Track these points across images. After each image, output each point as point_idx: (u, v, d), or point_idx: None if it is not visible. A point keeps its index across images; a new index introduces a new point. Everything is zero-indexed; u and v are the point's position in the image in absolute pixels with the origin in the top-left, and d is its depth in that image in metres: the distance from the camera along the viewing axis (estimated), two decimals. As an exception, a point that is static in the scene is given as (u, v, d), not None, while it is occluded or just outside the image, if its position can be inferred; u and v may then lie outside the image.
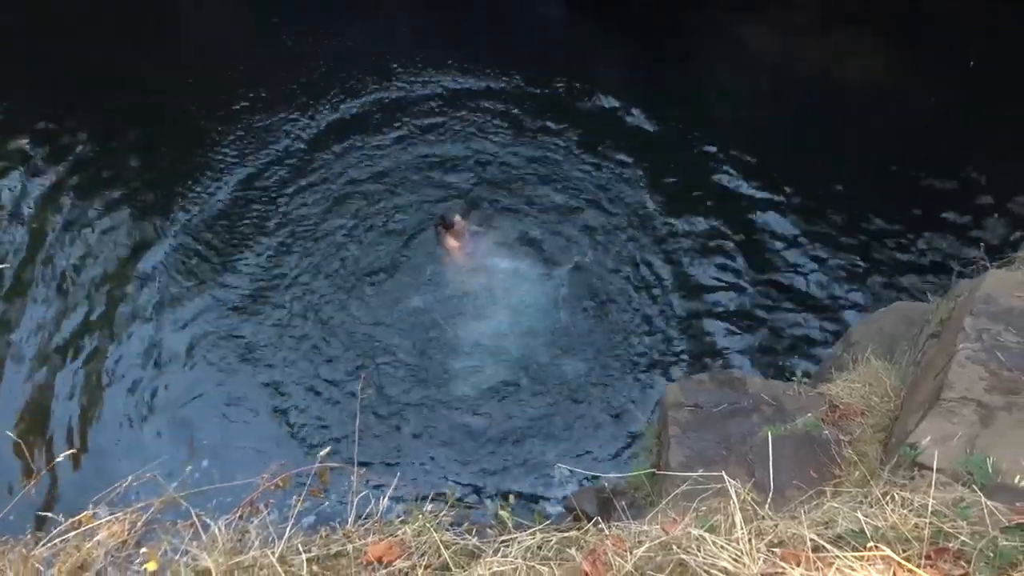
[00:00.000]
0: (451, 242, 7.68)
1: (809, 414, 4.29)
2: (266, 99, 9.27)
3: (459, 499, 5.51)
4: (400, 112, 9.10)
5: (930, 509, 2.14)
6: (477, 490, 5.91)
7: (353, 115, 9.15)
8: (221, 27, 10.36)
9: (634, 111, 8.98)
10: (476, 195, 8.25)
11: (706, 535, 1.99)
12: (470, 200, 8.20)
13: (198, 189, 8.27)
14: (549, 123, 8.80)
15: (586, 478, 5.67)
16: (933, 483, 2.36)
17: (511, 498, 5.73)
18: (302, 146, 8.76)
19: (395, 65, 9.63)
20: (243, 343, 6.87)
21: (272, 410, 6.44)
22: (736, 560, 1.90)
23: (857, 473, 3.62)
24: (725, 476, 2.06)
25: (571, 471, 5.06)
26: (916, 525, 2.15)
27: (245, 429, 6.33)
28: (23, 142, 8.69)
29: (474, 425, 6.28)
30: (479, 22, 10.02)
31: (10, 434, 2.86)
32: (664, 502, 2.74)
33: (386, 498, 2.48)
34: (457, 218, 7.74)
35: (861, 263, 7.30)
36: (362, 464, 5.43)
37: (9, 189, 8.22)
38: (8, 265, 6.92)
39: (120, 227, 7.83)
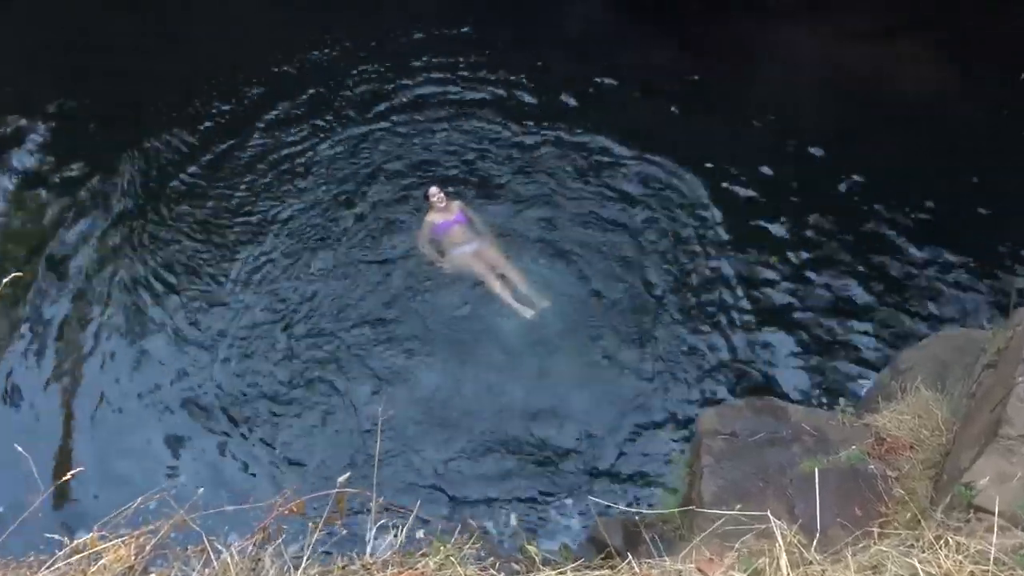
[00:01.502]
0: (433, 216, 7.71)
1: (854, 446, 4.26)
2: (267, 84, 9.51)
3: (483, 530, 5.49)
4: (416, 107, 9.29)
5: (991, 557, 2.07)
6: (499, 517, 5.88)
7: (380, 112, 9.32)
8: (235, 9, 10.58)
9: (673, 113, 9.04)
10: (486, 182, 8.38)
11: (749, 580, 1.94)
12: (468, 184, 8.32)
13: (206, 198, 8.45)
14: (584, 121, 8.88)
15: (608, 507, 5.64)
16: (995, 528, 2.28)
17: (535, 527, 5.71)
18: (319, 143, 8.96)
19: (419, 54, 9.78)
20: (258, 362, 6.92)
21: (287, 431, 6.47)
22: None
23: (906, 513, 3.56)
24: (771, 516, 2.01)
25: (606, 505, 4.99)
26: (972, 573, 2.10)
27: (259, 451, 6.35)
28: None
29: (497, 450, 6.26)
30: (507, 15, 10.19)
31: (19, 448, 2.89)
32: (698, 539, 2.70)
33: (406, 528, 2.45)
34: (433, 189, 7.79)
35: (911, 285, 7.18)
36: (381, 491, 5.41)
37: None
38: (21, 273, 7.05)
39: (132, 242, 7.95)
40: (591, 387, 6.60)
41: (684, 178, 8.24)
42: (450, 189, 8.09)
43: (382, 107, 9.41)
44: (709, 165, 8.37)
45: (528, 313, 7.02)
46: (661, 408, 6.42)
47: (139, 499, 2.80)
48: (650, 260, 7.52)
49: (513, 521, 5.77)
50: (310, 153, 8.86)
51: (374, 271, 7.62)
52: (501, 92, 9.43)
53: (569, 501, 5.95)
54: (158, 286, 7.53)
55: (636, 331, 6.95)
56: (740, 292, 7.19)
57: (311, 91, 9.61)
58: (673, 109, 9.12)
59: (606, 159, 8.53)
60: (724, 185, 8.17)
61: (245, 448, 6.36)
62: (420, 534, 2.65)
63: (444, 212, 7.76)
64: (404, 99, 9.47)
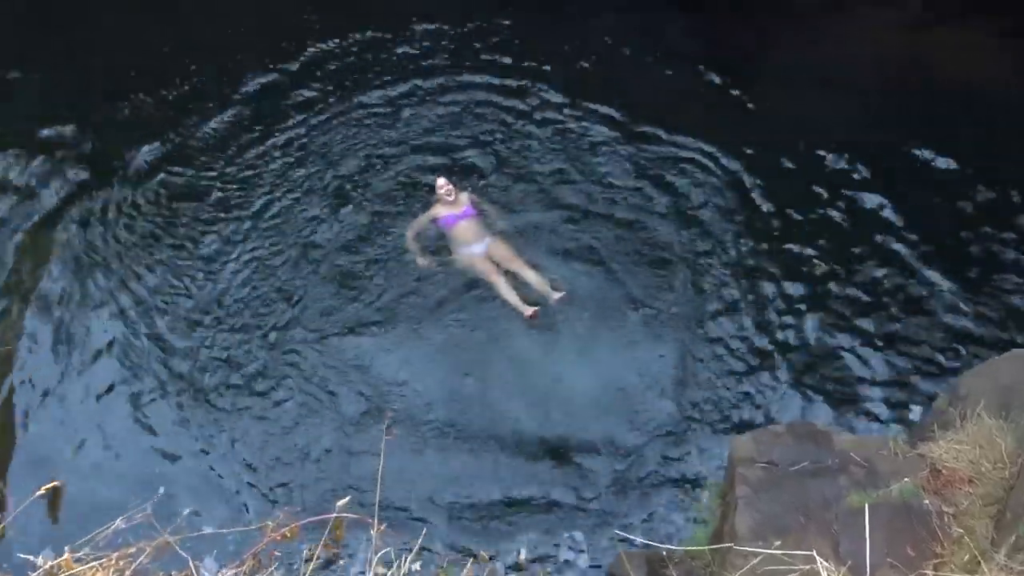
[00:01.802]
0: (438, 209, 7.70)
1: (906, 479, 4.17)
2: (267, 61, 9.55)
3: (491, 558, 5.51)
4: (421, 84, 9.28)
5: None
6: (511, 549, 5.84)
7: (380, 90, 9.31)
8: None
9: (708, 102, 9.02)
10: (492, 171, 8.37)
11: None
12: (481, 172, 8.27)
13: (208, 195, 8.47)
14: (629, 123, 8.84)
15: (631, 541, 5.64)
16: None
17: (550, 560, 5.69)
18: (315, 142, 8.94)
19: (426, 20, 9.76)
20: (252, 373, 6.93)
21: (283, 449, 6.46)
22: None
23: (964, 554, 3.50)
24: (815, 555, 1.98)
25: (629, 538, 4.97)
26: (1039, 622, 2.05)
27: (251, 469, 6.36)
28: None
29: (509, 474, 6.24)
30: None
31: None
32: (733, 578, 2.66)
33: (410, 559, 2.43)
34: (440, 180, 7.76)
35: (971, 298, 7.06)
36: (383, 516, 5.38)
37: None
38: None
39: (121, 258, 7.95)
40: (612, 406, 6.57)
41: (721, 173, 8.21)
42: (454, 178, 8.02)
43: (383, 83, 9.31)
44: (747, 157, 8.32)
45: (528, 311, 7.05)
46: (691, 431, 6.39)
47: (118, 519, 2.80)
48: (684, 263, 7.49)
49: (523, 554, 5.72)
50: (300, 135, 8.84)
51: (370, 272, 7.62)
52: (519, 72, 9.35)
53: (587, 533, 5.92)
54: (125, 289, 7.54)
55: (664, 344, 6.89)
56: (781, 302, 7.12)
57: (303, 62, 9.52)
58: (709, 98, 9.05)
59: (635, 148, 8.51)
60: (764, 183, 8.10)
61: (233, 465, 6.36)
62: (418, 567, 2.63)
63: (452, 206, 7.72)
64: (408, 76, 9.36)
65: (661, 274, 7.45)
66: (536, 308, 7.09)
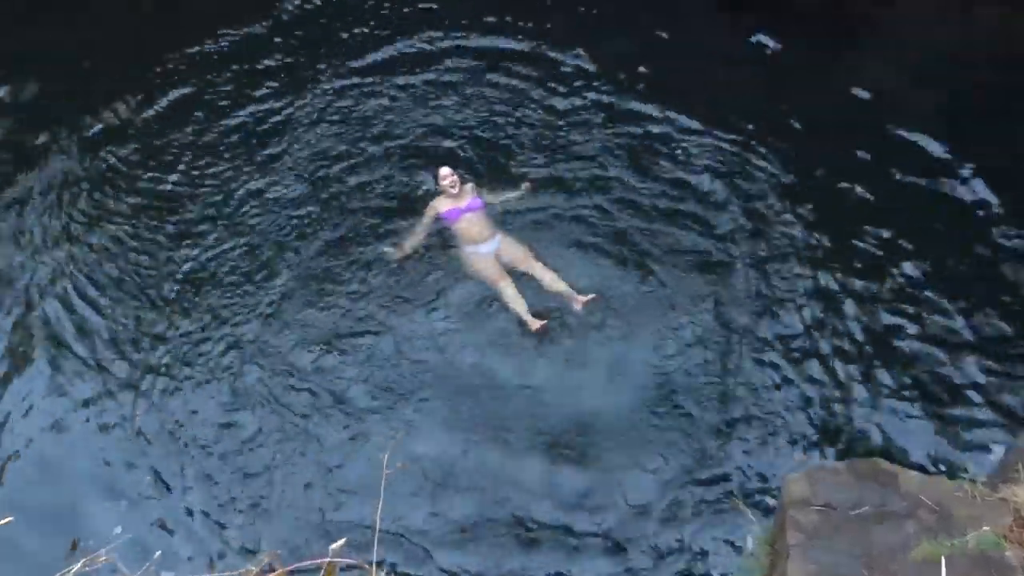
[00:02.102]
0: (441, 203, 7.64)
1: (986, 527, 4.13)
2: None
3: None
4: (424, 59, 9.23)
5: None
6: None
7: (376, 64, 9.26)
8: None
9: (762, 88, 8.90)
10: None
11: None
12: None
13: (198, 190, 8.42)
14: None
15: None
16: None
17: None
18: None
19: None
20: (219, 395, 6.88)
21: (258, 484, 6.38)
22: None
23: (1055, 615, 3.38)
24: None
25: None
26: None
27: (223, 507, 6.27)
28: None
29: (524, 513, 6.13)
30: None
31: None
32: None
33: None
34: (444, 170, 7.68)
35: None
36: (382, 563, 5.35)
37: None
38: None
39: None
40: (642, 431, 6.48)
41: (771, 161, 8.12)
42: (460, 169, 7.96)
43: (379, 57, 9.22)
44: (803, 152, 8.21)
45: (535, 325, 6.97)
46: (735, 468, 6.29)
47: (80, 562, 2.76)
48: (728, 266, 7.40)
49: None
50: (280, 119, 8.77)
51: (358, 282, 7.56)
52: (538, 45, 9.21)
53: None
54: (83, 303, 7.52)
55: (704, 365, 6.81)
56: (840, 316, 7.00)
57: (286, 34, 9.44)
58: (763, 84, 8.93)
59: (670, 133, 8.39)
60: (823, 180, 8.00)
61: (211, 501, 6.30)
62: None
63: (456, 198, 7.65)
64: (408, 48, 9.26)
65: (701, 277, 7.38)
66: (544, 323, 7.00)
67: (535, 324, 7.00)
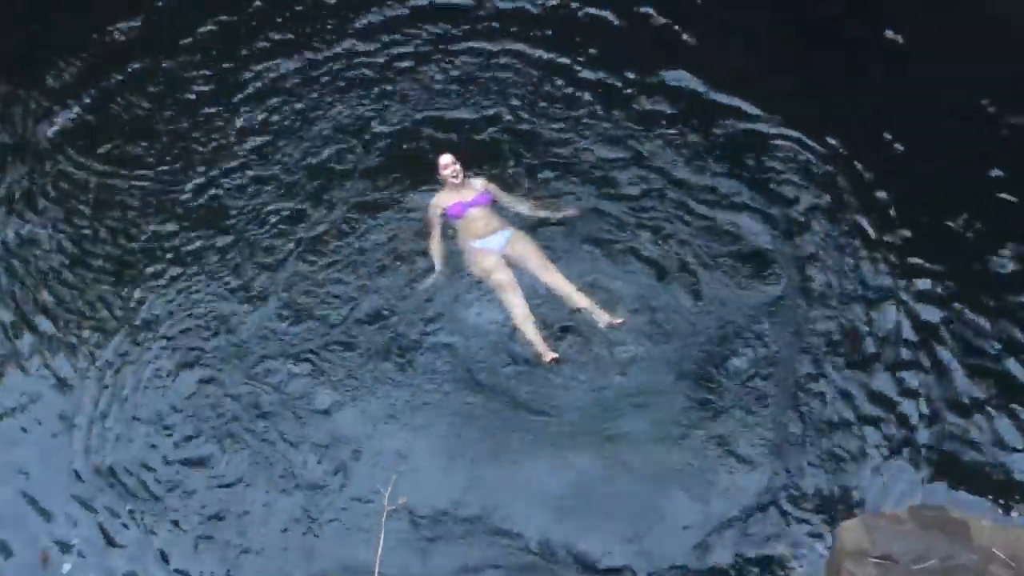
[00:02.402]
0: (442, 197, 7.53)
1: None
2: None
3: None
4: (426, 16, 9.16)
5: None
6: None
7: (370, 27, 9.25)
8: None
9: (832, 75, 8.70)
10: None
11: None
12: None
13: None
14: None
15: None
16: None
17: None
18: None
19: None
20: (182, 426, 6.77)
21: (242, 522, 6.29)
22: None
23: None
24: None
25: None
26: None
27: (201, 550, 6.20)
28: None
29: (546, 560, 6.02)
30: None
31: None
32: None
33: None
34: (445, 158, 7.55)
35: None
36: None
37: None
38: None
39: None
40: (676, 471, 6.39)
41: (828, 160, 8.03)
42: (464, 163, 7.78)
43: (372, 20, 9.14)
44: (861, 136, 8.08)
45: (548, 355, 6.73)
46: (779, 513, 6.16)
47: None
48: (780, 280, 7.25)
49: None
50: (255, 94, 8.73)
51: (351, 289, 7.45)
52: (566, 14, 9.12)
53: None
54: (34, 308, 7.46)
55: (744, 391, 6.69)
56: (906, 343, 6.87)
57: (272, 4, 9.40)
58: (808, 62, 8.76)
59: (712, 123, 8.30)
60: (886, 175, 7.86)
61: (176, 547, 6.22)
62: None
63: (459, 190, 7.51)
64: (402, 11, 9.22)
65: (749, 294, 7.20)
66: (556, 356, 6.74)
67: (548, 355, 6.73)
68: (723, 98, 8.52)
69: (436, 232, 7.51)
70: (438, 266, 7.38)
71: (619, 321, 6.84)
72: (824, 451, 6.40)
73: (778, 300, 7.16)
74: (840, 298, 7.19)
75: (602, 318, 6.87)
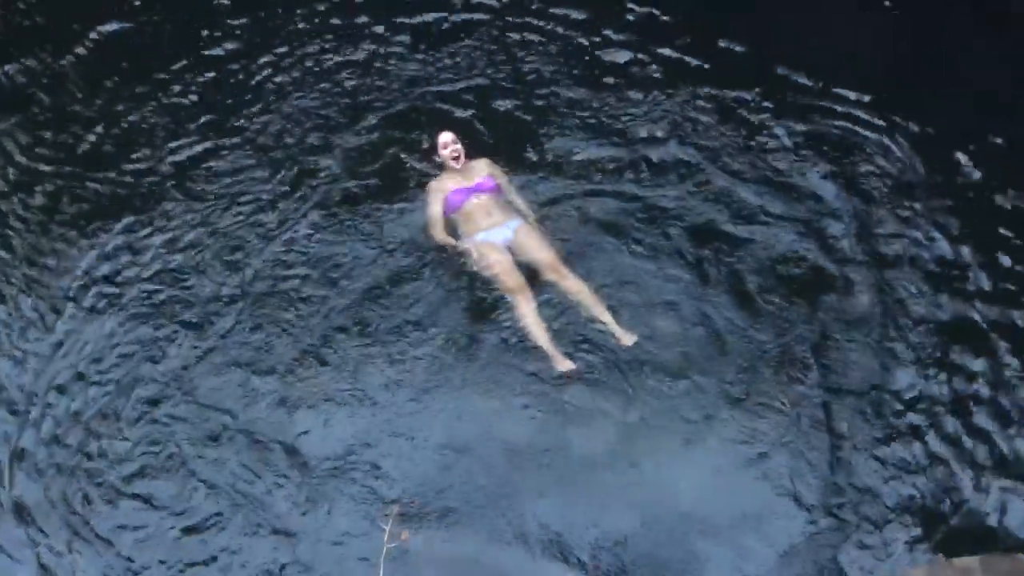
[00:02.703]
0: (442, 182, 7.14)
1: None
2: None
3: None
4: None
5: None
6: None
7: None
8: None
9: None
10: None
11: None
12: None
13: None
14: None
15: None
16: None
17: None
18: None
19: None
20: (137, 458, 6.30)
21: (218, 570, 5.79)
22: None
23: None
24: None
25: None
26: None
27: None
28: None
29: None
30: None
31: None
32: None
33: None
34: (446, 136, 7.19)
35: None
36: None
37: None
38: None
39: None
40: (714, 514, 5.94)
41: (910, 157, 7.51)
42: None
43: None
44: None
45: (564, 365, 6.27)
46: (842, 559, 5.75)
47: None
48: (857, 300, 6.73)
49: None
50: (238, 68, 8.42)
51: (330, 292, 7.00)
52: None
53: None
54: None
55: (807, 423, 6.21)
56: (983, 380, 6.34)
57: None
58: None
59: (772, 109, 7.82)
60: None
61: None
62: None
63: (461, 175, 7.12)
64: None
65: (812, 306, 6.70)
66: (575, 367, 6.26)
67: (565, 364, 6.28)
68: (783, 70, 8.11)
69: (435, 216, 7.10)
70: (447, 241, 7.03)
71: (635, 341, 6.38)
72: (896, 494, 5.99)
73: (856, 320, 6.65)
74: (926, 325, 6.64)
75: (619, 335, 6.40)
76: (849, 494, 5.97)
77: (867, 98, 7.82)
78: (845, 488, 6.01)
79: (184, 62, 8.66)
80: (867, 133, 7.65)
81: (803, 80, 8.04)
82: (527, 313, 6.54)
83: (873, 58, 8.10)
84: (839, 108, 7.83)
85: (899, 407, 6.28)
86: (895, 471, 6.08)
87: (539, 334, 6.45)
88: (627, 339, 6.36)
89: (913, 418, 6.22)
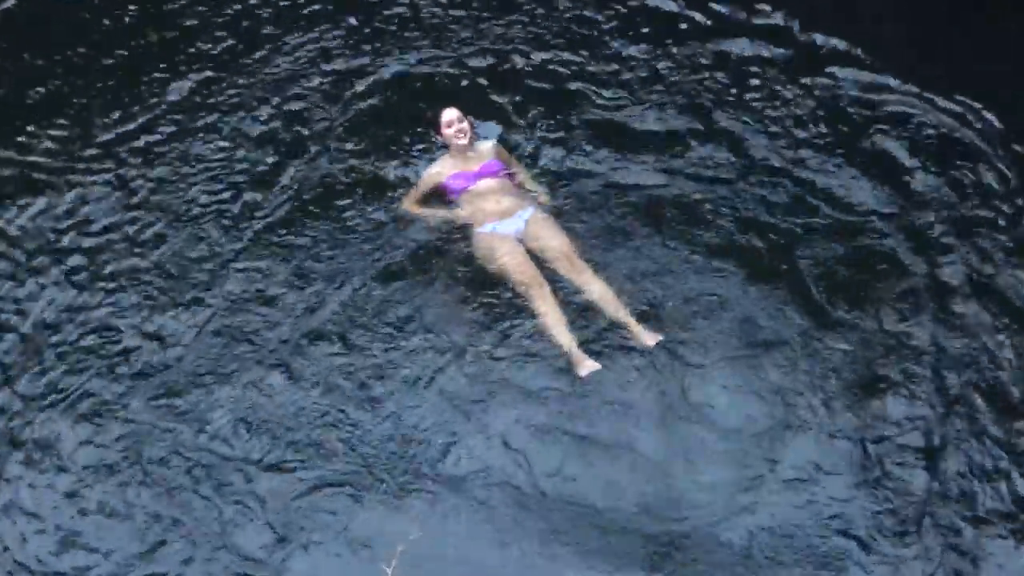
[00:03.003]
0: (444, 165, 6.61)
1: None
2: None
3: None
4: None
5: None
6: None
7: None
8: None
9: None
10: None
11: None
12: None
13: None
14: None
15: None
16: None
17: None
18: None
19: None
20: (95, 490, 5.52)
21: None
22: None
23: None
24: None
25: None
26: None
27: None
28: None
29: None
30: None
31: None
32: None
33: None
34: (450, 114, 6.56)
35: None
36: None
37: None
38: None
39: None
40: (748, 537, 5.30)
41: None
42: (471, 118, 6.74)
43: None
44: None
45: (587, 369, 5.71)
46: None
47: None
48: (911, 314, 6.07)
49: None
50: (210, 41, 7.84)
51: (309, 294, 6.34)
52: None
53: None
54: None
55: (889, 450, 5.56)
56: None
57: None
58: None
59: (818, 88, 7.25)
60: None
61: None
62: None
63: (464, 157, 6.56)
64: None
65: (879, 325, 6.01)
66: (596, 367, 5.69)
67: (585, 366, 5.69)
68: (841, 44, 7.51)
69: (418, 193, 6.65)
70: (435, 212, 6.60)
71: (660, 339, 5.84)
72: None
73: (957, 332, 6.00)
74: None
75: (641, 336, 5.84)
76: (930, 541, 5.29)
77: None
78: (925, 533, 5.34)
79: (155, 38, 8.07)
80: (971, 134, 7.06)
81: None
82: (546, 311, 5.95)
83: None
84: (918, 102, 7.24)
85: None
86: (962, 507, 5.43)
87: (560, 333, 5.87)
88: (650, 339, 5.79)
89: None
